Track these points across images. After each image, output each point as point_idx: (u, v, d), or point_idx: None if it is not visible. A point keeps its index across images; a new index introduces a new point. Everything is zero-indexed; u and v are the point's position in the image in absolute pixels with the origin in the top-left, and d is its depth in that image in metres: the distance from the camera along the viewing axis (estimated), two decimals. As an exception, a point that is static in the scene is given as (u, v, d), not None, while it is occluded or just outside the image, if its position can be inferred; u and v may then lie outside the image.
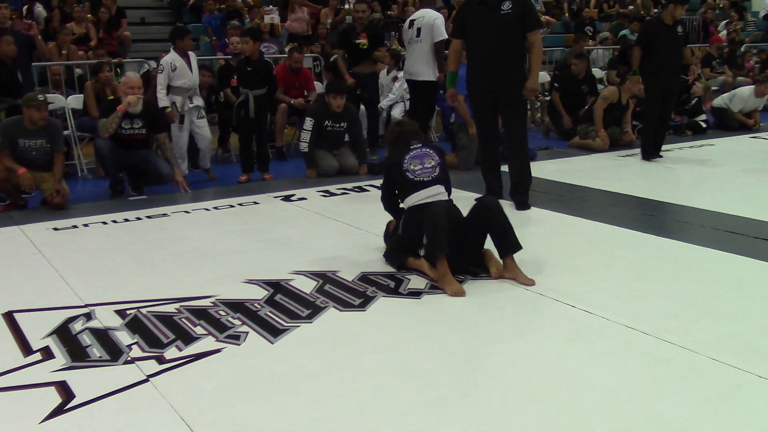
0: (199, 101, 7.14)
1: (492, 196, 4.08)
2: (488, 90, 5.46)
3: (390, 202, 4.36)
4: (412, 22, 7.65)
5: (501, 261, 3.93)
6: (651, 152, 7.56)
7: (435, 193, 4.09)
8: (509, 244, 3.89)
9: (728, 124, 9.74)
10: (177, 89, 6.90)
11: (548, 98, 10.39)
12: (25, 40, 7.55)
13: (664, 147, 7.89)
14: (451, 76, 5.80)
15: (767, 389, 2.63)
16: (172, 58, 6.90)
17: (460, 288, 3.70)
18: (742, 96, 9.81)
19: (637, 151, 8.17)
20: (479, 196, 5.67)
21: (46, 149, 5.91)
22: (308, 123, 7.02)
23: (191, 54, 7.11)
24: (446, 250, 3.75)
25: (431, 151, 4.17)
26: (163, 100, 6.84)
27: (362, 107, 8.83)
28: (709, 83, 11.57)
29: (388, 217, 4.46)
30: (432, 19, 7.52)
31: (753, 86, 9.92)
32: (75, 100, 7.87)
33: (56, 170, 5.91)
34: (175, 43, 6.98)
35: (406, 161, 4.10)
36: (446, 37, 7.47)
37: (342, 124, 7.10)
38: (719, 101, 10.00)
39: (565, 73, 9.87)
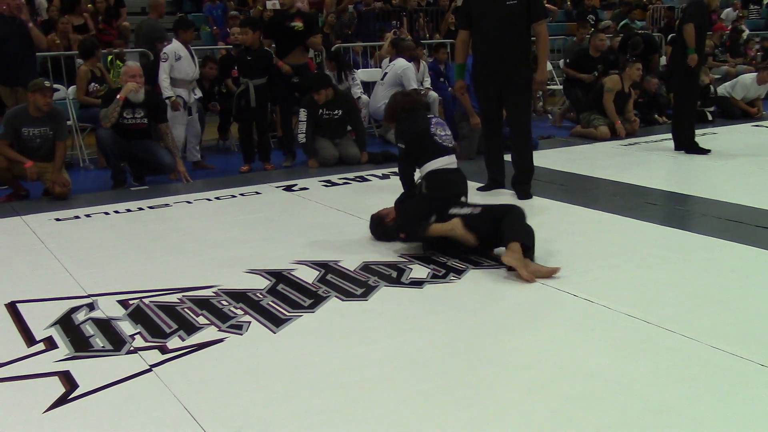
0: (199, 93, 7.13)
1: (520, 208, 4.05)
2: (493, 80, 5.46)
3: (410, 171, 4.40)
4: (387, 64, 8.64)
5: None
6: (695, 143, 7.26)
7: (454, 161, 4.30)
8: (517, 234, 3.79)
9: (731, 112, 9.72)
10: (181, 81, 6.86)
11: (552, 88, 10.37)
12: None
13: (665, 136, 7.88)
14: (459, 68, 5.79)
15: (768, 378, 2.64)
16: (176, 47, 6.87)
17: (471, 236, 3.86)
18: (744, 84, 9.79)
19: (638, 140, 8.17)
20: (481, 185, 5.74)
21: (49, 137, 5.91)
22: (302, 114, 7.06)
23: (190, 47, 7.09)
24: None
25: (443, 121, 4.41)
26: (167, 89, 6.81)
27: (364, 97, 8.86)
28: (711, 72, 11.54)
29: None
30: (400, 69, 8.35)
31: (755, 74, 9.89)
32: (76, 91, 7.86)
33: (57, 159, 5.90)
34: (178, 34, 6.95)
35: (432, 126, 4.21)
36: (415, 86, 8.28)
37: (337, 111, 7.11)
38: (721, 90, 9.97)
39: (578, 52, 9.69)
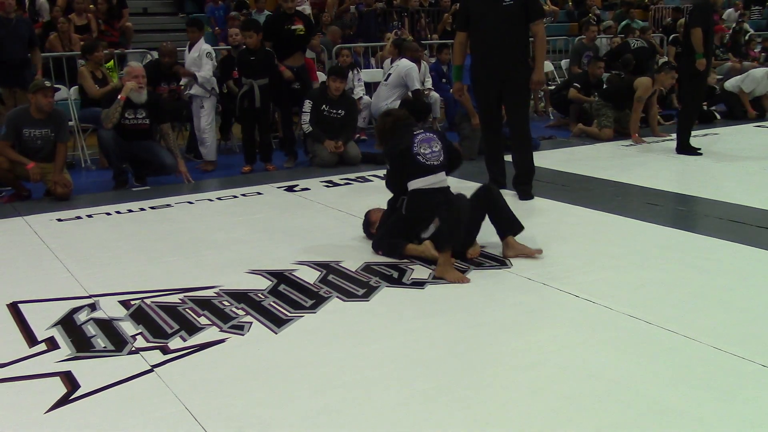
0: (195, 89, 7.29)
1: (493, 184, 4.15)
2: (492, 81, 5.46)
3: (398, 188, 4.26)
4: (389, 65, 8.68)
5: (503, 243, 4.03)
6: (688, 144, 7.27)
7: (441, 179, 4.16)
8: (512, 225, 4.01)
9: (738, 111, 9.67)
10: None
11: (552, 87, 10.33)
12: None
13: (668, 137, 7.87)
14: (456, 70, 5.80)
15: (769, 378, 2.64)
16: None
17: (462, 276, 3.74)
18: (755, 77, 9.68)
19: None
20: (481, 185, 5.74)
21: (50, 138, 5.91)
22: (307, 105, 7.14)
23: (199, 45, 7.38)
24: (459, 246, 3.86)
25: (434, 136, 4.27)
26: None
27: (365, 96, 8.87)
28: (714, 72, 11.50)
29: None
30: (404, 69, 8.32)
31: (767, 68, 9.82)
32: (77, 91, 7.86)
33: (58, 160, 5.91)
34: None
35: (415, 145, 4.13)
36: (419, 87, 8.39)
37: (339, 111, 7.15)
38: (729, 85, 9.87)
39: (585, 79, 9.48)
